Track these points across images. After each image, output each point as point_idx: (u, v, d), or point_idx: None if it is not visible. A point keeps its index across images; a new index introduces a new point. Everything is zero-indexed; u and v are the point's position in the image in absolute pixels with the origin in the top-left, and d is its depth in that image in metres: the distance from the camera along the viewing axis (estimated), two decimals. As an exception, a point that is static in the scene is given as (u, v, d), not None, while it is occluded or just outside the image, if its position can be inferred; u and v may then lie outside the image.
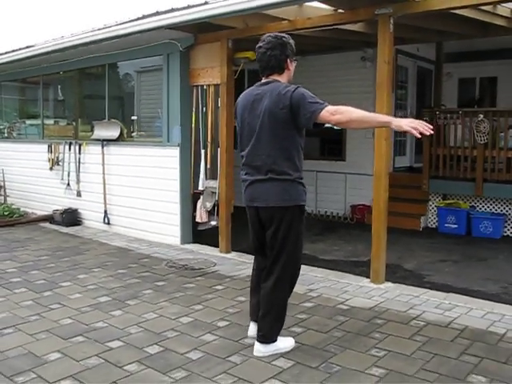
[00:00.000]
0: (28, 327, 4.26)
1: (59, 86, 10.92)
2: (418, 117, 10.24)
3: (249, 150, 3.66)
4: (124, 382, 3.32)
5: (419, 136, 3.34)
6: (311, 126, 3.48)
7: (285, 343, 3.82)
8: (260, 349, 3.72)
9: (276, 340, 3.75)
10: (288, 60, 3.65)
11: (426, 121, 8.91)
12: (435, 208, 8.93)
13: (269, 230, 3.66)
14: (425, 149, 8.94)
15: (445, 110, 9.56)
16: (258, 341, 3.73)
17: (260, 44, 3.66)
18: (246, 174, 3.72)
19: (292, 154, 3.57)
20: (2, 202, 10.42)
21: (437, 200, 8.97)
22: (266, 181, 3.59)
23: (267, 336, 3.71)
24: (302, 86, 3.53)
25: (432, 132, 3.31)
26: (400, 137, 10.32)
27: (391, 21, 5.34)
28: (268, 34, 3.71)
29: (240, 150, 3.79)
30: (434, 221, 8.97)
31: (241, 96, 3.85)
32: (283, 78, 3.65)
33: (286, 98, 3.44)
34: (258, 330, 3.74)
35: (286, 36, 3.68)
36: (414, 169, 10.25)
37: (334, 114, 3.35)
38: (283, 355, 3.71)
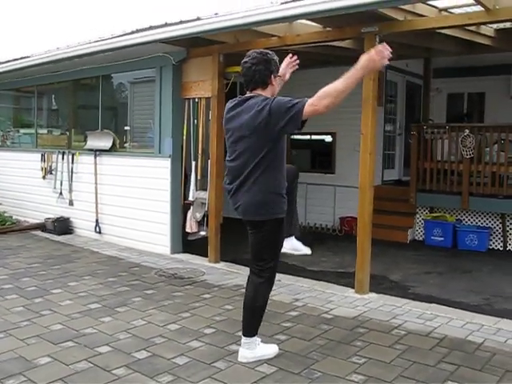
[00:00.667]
0: (19, 332, 4.36)
1: (53, 96, 11.05)
2: (406, 131, 10.46)
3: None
4: (112, 386, 3.44)
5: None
6: (300, 128, 3.54)
7: (268, 350, 3.94)
8: (245, 354, 3.84)
9: (255, 334, 3.86)
10: (272, 76, 3.74)
11: (413, 135, 9.10)
12: (422, 221, 9.08)
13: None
14: (412, 162, 9.12)
15: (432, 124, 9.78)
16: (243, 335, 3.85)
17: (245, 59, 3.76)
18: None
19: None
20: (-5, 210, 10.50)
21: (424, 213, 9.13)
22: None
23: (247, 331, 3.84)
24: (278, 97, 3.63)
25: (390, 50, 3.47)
26: (389, 150, 10.52)
27: (377, 39, 5.51)
28: (253, 50, 3.81)
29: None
30: (421, 233, 9.12)
31: (226, 107, 3.91)
32: (267, 93, 3.73)
33: (265, 112, 3.52)
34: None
35: (271, 52, 3.79)
36: (403, 182, 10.41)
37: (316, 104, 3.39)
38: (267, 361, 3.83)
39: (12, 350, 3.99)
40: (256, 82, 3.74)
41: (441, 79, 10.94)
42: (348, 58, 8.20)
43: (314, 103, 3.40)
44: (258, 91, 3.75)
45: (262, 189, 3.65)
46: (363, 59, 3.40)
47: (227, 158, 3.84)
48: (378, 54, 3.43)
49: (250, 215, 3.73)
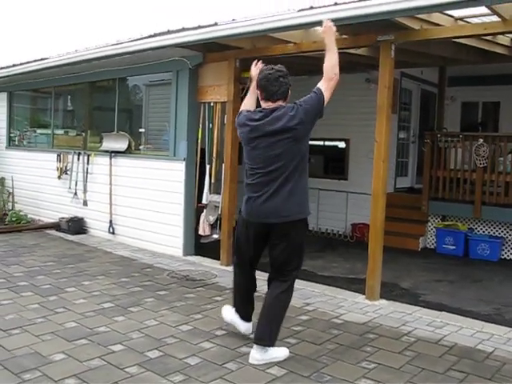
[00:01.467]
0: (34, 329, 4.45)
1: (70, 97, 11.19)
2: (420, 139, 10.47)
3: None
4: (125, 383, 3.50)
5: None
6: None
7: (279, 353, 3.99)
8: (256, 356, 3.89)
9: (274, 345, 3.95)
10: (289, 91, 3.94)
11: (427, 143, 9.11)
12: (434, 229, 9.08)
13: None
14: (425, 170, 9.13)
15: (446, 133, 9.77)
16: (256, 344, 3.92)
17: (270, 71, 3.87)
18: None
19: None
20: (11, 208, 10.64)
21: (436, 221, 9.13)
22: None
23: (268, 340, 3.92)
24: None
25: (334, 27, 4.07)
26: (402, 158, 10.53)
27: (392, 47, 5.56)
28: (271, 66, 3.95)
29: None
30: (433, 241, 9.12)
31: (248, 117, 4.00)
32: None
33: (300, 113, 3.77)
34: (259, 337, 3.93)
35: None
36: (415, 190, 10.40)
37: (331, 77, 3.88)
38: (277, 364, 3.88)
39: (28, 345, 4.08)
40: (282, 94, 3.87)
41: (455, 88, 10.94)
42: (361, 65, 8.40)
43: (326, 88, 3.84)
44: (280, 103, 3.87)
45: (300, 189, 3.83)
46: (330, 39, 4.07)
47: (253, 166, 3.90)
48: (329, 29, 4.09)
49: (292, 216, 3.84)
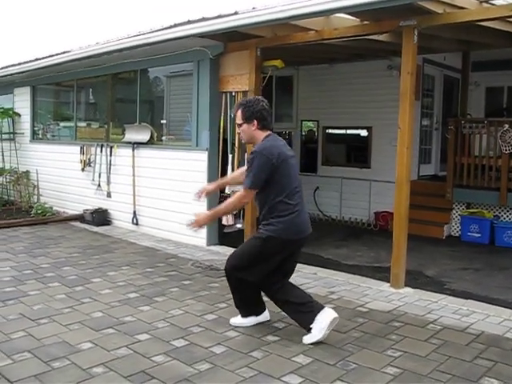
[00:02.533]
0: (62, 318, 4.51)
1: (92, 90, 11.28)
2: (443, 125, 10.33)
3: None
4: (152, 372, 3.53)
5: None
6: None
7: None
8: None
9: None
10: None
11: (450, 130, 8.96)
12: (459, 217, 8.98)
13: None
14: (449, 158, 9.01)
15: (470, 119, 9.63)
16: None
17: (265, 106, 4.21)
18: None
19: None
20: (36, 201, 10.79)
21: (461, 209, 9.02)
22: None
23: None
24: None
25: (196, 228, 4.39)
26: (425, 145, 10.41)
27: (415, 32, 5.47)
28: (256, 97, 4.37)
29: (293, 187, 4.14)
30: (458, 229, 9.02)
31: (276, 145, 4.18)
32: None
33: None
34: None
35: None
36: (439, 177, 10.29)
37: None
38: (303, 352, 3.88)
39: (56, 334, 4.14)
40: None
41: (479, 73, 10.74)
42: (383, 51, 8.31)
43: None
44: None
45: None
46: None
47: (295, 186, 4.13)
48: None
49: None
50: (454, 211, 9.09)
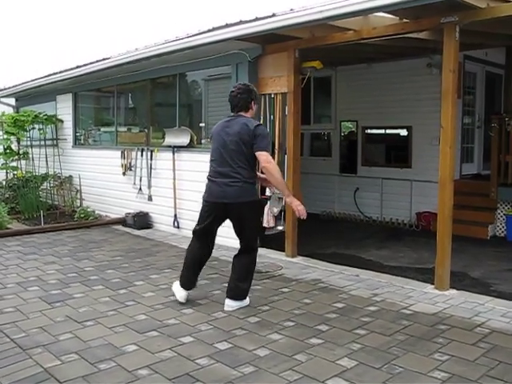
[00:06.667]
0: (107, 321, 4.58)
1: (131, 95, 11.45)
2: (486, 123, 10.10)
3: (217, 159, 4.91)
4: (195, 374, 3.54)
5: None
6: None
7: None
8: (230, 304, 4.89)
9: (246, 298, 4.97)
10: (252, 102, 4.93)
11: (494, 127, 8.74)
12: (504, 216, 8.75)
13: (235, 219, 5.10)
14: (493, 156, 8.79)
15: (515, 116, 9.36)
16: (229, 298, 4.91)
17: (233, 89, 4.91)
18: (212, 177, 5.01)
19: (250, 164, 4.82)
20: (79, 205, 11.01)
21: (505, 208, 8.79)
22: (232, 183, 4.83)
23: (243, 295, 4.96)
24: (261, 125, 4.97)
25: (304, 217, 4.81)
26: (467, 143, 10.20)
27: (457, 29, 5.35)
28: (239, 83, 5.13)
29: (210, 159, 5.04)
30: (503, 229, 8.79)
31: (216, 124, 5.05)
32: (248, 115, 4.90)
33: (251, 129, 4.68)
34: (234, 292, 4.92)
35: (251, 85, 5.05)
36: (482, 176, 10.06)
37: (268, 162, 4.69)
38: (347, 355, 3.84)
39: (101, 337, 4.20)
40: (240, 107, 4.88)
41: (524, 68, 10.47)
42: (423, 49, 8.16)
43: (267, 160, 4.71)
44: (242, 113, 4.88)
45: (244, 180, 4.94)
46: (293, 201, 4.86)
47: (212, 158, 5.04)
48: (298, 207, 4.81)
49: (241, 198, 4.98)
50: (498, 211, 8.86)
